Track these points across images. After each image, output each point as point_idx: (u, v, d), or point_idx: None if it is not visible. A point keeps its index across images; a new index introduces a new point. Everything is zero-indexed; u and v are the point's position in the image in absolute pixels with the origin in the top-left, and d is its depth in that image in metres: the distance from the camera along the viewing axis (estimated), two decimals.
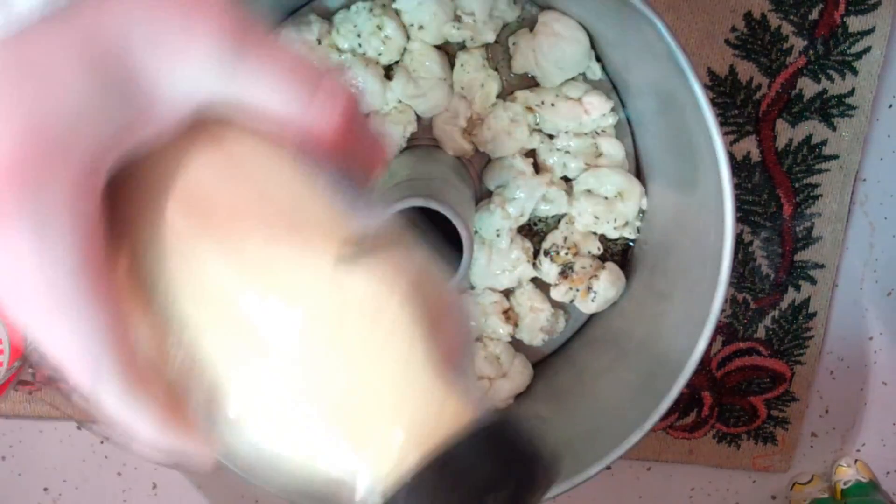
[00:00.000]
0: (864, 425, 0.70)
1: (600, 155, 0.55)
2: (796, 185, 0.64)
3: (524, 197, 0.54)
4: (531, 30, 0.54)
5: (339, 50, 0.53)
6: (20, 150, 0.20)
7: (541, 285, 0.58)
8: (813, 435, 0.70)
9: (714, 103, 0.62)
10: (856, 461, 0.69)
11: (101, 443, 0.69)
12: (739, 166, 0.63)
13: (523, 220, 0.55)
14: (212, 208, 0.23)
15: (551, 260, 0.56)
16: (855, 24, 0.62)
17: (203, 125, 0.23)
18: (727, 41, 0.62)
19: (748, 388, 0.68)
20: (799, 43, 0.62)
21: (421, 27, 0.52)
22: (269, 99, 0.23)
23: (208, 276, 0.23)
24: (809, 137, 0.63)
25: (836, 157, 0.64)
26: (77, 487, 0.71)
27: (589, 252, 0.56)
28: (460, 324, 0.25)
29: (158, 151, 0.23)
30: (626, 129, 0.56)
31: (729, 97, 0.62)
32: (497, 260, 0.56)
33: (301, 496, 0.49)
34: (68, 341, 0.21)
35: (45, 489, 0.71)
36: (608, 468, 0.48)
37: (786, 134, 0.63)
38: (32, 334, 0.21)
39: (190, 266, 0.23)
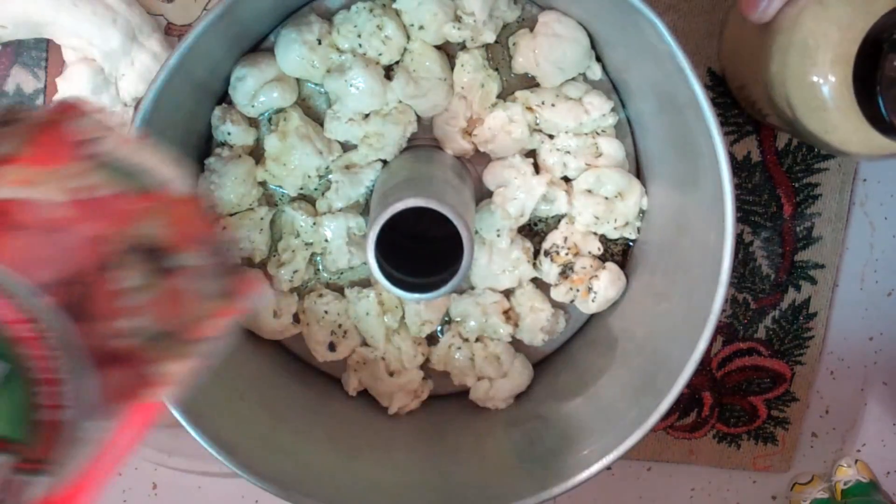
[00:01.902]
0: (864, 425, 0.70)
1: (600, 155, 0.55)
2: (796, 185, 0.64)
3: (524, 197, 0.54)
4: (531, 30, 0.54)
5: (339, 50, 0.53)
6: None
7: (541, 285, 0.57)
8: (813, 435, 0.70)
9: (714, 103, 0.62)
10: (856, 461, 0.69)
11: None
12: (739, 166, 0.63)
13: (523, 220, 0.55)
14: None
15: (551, 260, 0.56)
16: None
17: None
18: None
19: (748, 388, 0.68)
20: None
21: (421, 27, 0.52)
22: None
23: None
24: None
25: (835, 156, 0.64)
26: None
27: (589, 252, 0.56)
28: None
29: None
30: (626, 129, 0.56)
31: (729, 97, 0.62)
32: (497, 260, 0.56)
33: (301, 496, 0.49)
34: None
35: None
36: (608, 468, 0.48)
37: (786, 134, 0.63)
38: None
39: None
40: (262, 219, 0.55)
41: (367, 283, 0.58)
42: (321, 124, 0.55)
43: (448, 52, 0.54)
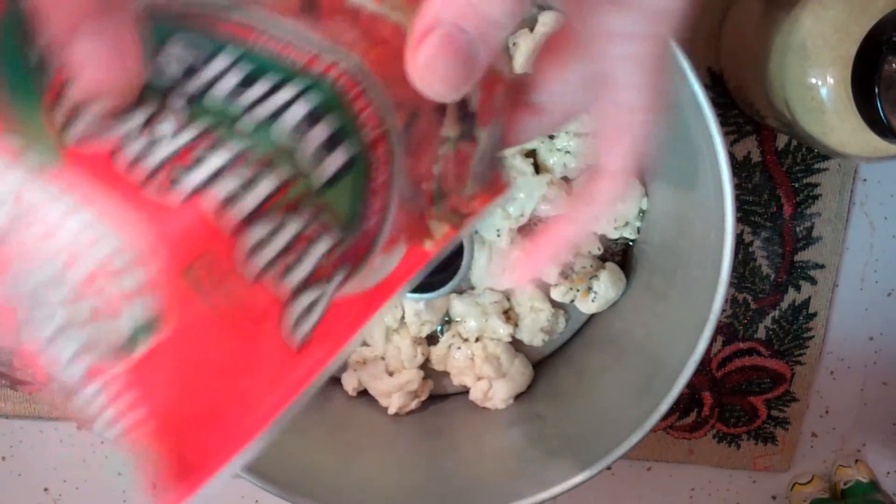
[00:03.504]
0: (864, 425, 0.70)
1: None
2: (796, 185, 0.64)
3: (524, 197, 0.54)
4: (531, 30, 0.54)
5: None
6: None
7: (541, 285, 0.57)
8: (813, 435, 0.70)
9: (714, 103, 0.62)
10: (856, 461, 0.69)
11: (101, 443, 0.69)
12: (739, 166, 0.63)
13: (523, 220, 0.55)
14: None
15: None
16: None
17: None
18: None
19: (748, 388, 0.68)
20: None
21: None
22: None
23: None
24: None
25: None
26: (77, 487, 0.71)
27: (589, 252, 0.56)
28: None
29: None
30: None
31: (729, 97, 0.62)
32: (497, 260, 0.56)
33: (301, 496, 0.49)
34: None
35: (45, 489, 0.71)
36: (608, 468, 0.48)
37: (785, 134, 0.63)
38: None
39: None
40: None
41: None
42: None
43: None
